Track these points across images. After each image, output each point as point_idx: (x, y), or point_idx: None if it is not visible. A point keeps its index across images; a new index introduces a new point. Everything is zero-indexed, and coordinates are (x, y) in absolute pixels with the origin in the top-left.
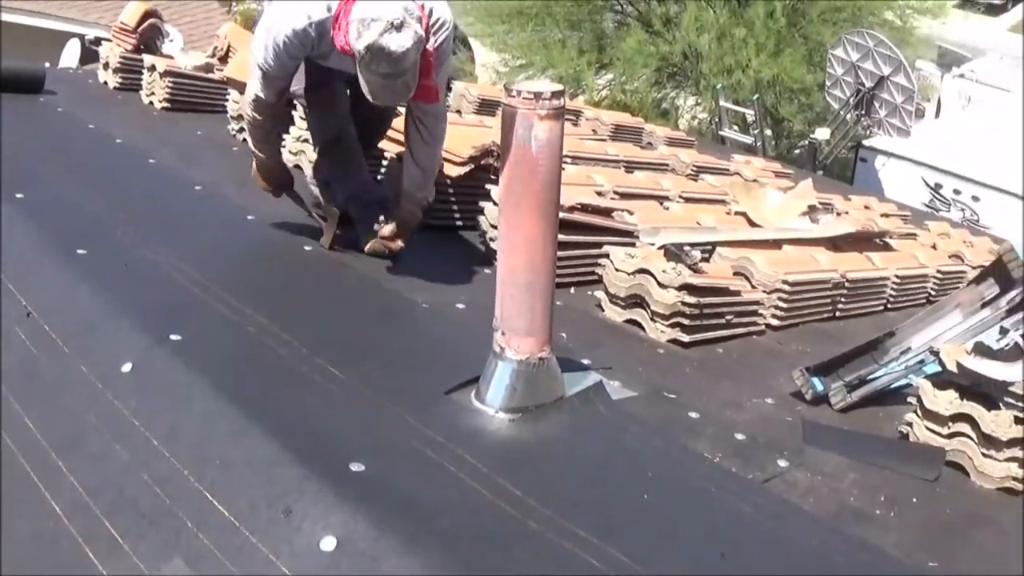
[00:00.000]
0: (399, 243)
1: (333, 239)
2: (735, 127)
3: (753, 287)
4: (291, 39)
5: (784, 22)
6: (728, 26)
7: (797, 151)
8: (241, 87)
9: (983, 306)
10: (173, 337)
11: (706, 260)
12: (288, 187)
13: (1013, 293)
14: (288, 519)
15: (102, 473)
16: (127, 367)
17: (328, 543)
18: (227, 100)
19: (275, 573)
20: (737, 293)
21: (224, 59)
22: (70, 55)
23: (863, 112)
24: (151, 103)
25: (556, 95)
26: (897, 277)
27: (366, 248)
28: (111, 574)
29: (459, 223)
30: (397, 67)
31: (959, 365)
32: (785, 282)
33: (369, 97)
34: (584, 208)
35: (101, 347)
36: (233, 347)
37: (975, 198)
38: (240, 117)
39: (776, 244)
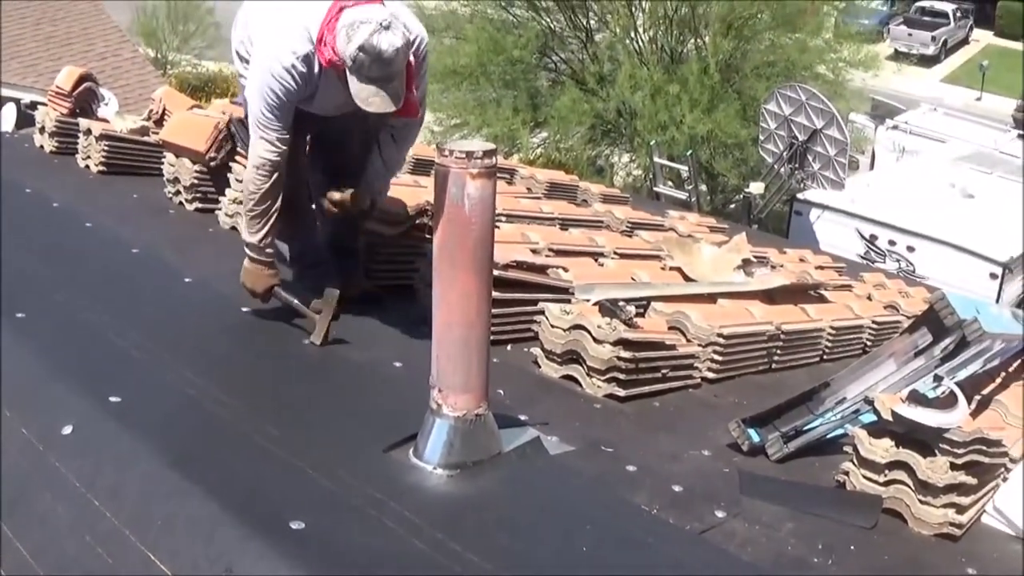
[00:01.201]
0: (334, 209)
1: (328, 332)
2: (670, 183)
3: (688, 341)
4: (283, 79)
5: (718, 78)
6: (662, 83)
7: (732, 206)
8: (176, 149)
9: (917, 355)
10: (113, 399)
11: (641, 315)
12: (277, 286)
13: (946, 341)
14: None
15: (45, 534)
16: (68, 429)
17: None
18: (163, 163)
19: None
20: (672, 347)
21: (159, 122)
22: (6, 119)
23: (797, 165)
24: (87, 166)
25: (488, 154)
26: (832, 328)
27: (314, 339)
28: None
29: (395, 282)
30: (389, 69)
31: (894, 413)
32: (720, 335)
33: (363, 107)
34: (519, 265)
35: (42, 409)
36: (172, 408)
37: (910, 248)
38: (177, 180)
39: (711, 298)
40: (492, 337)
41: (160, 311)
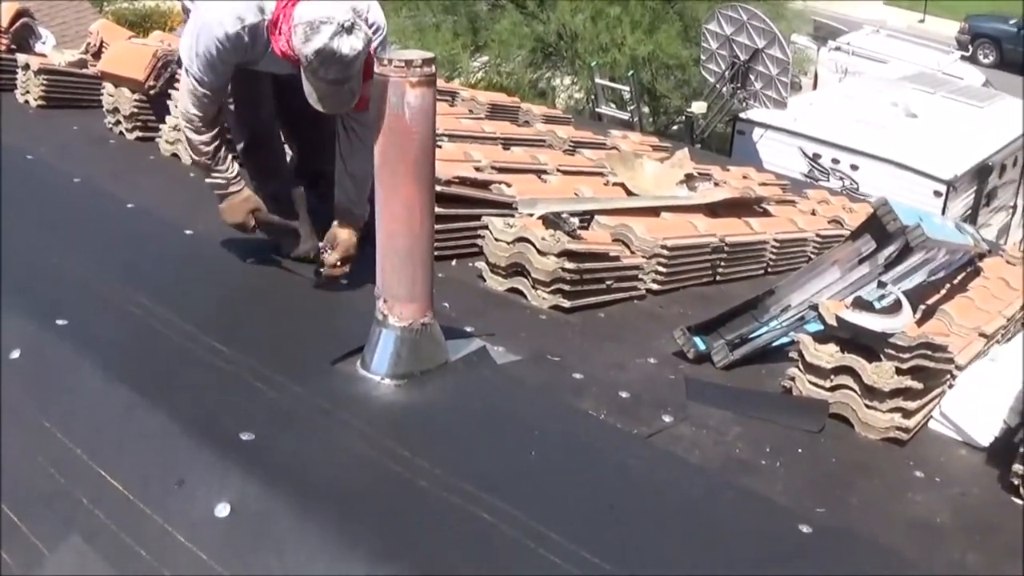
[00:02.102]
0: (344, 269)
1: (313, 235)
2: (612, 105)
3: (632, 253)
4: (223, 44)
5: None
6: (602, 5)
7: (675, 127)
8: (115, 79)
9: (860, 262)
10: (59, 322)
11: (585, 228)
12: (260, 207)
13: (890, 248)
14: (181, 490)
15: None
16: (15, 354)
17: (222, 510)
18: (102, 94)
19: (171, 543)
20: (617, 259)
21: (97, 55)
22: None
23: (739, 85)
24: (26, 101)
25: (427, 62)
26: (776, 241)
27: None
28: (8, 556)
29: None
30: (346, 72)
31: (838, 319)
32: (664, 247)
33: (316, 106)
34: (462, 181)
35: None
36: (119, 329)
37: (854, 167)
38: (116, 110)
39: (655, 212)
40: (436, 253)
41: (103, 237)
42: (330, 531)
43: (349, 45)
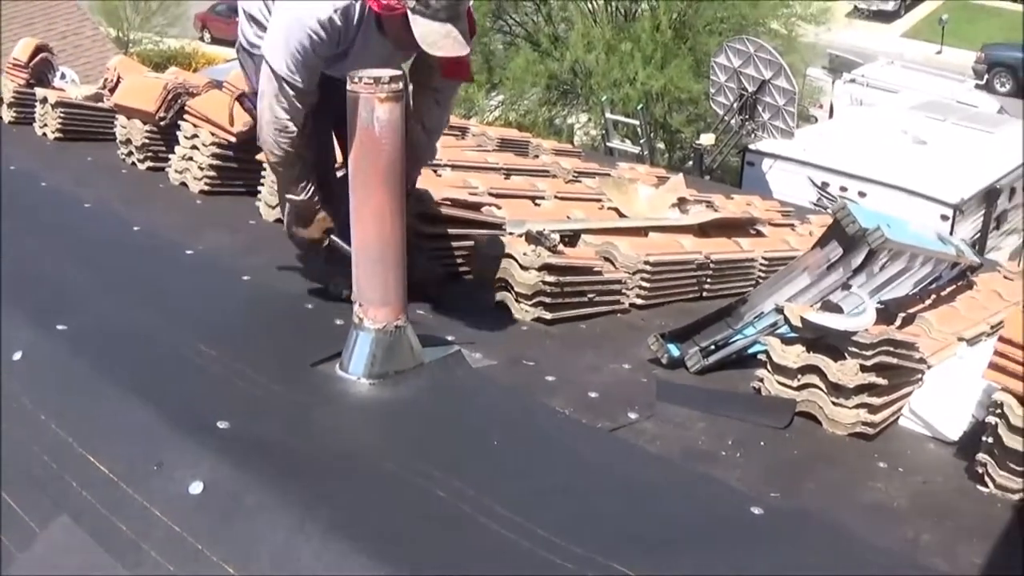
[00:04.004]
0: None
1: None
2: (627, 140)
3: (616, 269)
4: (317, 33)
5: (670, 34)
6: (615, 41)
7: (691, 162)
8: (128, 112)
9: (830, 268)
10: (60, 327)
11: (569, 244)
12: (332, 230)
13: (856, 253)
14: (160, 471)
15: None
16: (18, 355)
17: (196, 487)
18: (115, 127)
19: (149, 518)
20: (599, 273)
21: (114, 89)
22: None
23: (747, 116)
24: (44, 134)
25: (395, 79)
26: (764, 258)
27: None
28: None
29: None
30: (458, 6)
31: (803, 320)
32: (647, 263)
33: (428, 50)
34: (453, 203)
35: None
36: (115, 334)
37: (862, 194)
38: (129, 141)
39: (643, 232)
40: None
41: (106, 254)
42: (292, 503)
43: None
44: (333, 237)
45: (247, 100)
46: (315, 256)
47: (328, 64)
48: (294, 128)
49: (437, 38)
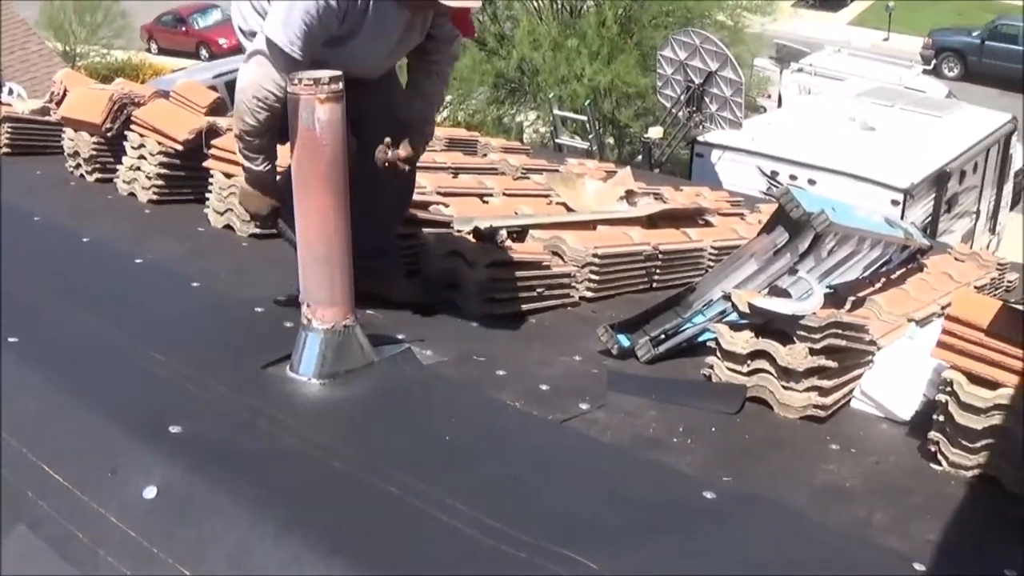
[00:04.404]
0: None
1: None
2: (576, 136)
3: (565, 262)
4: (328, 1)
5: (616, 29)
6: (561, 38)
7: (639, 157)
8: (75, 124)
9: (776, 253)
10: (11, 339)
11: (517, 239)
12: (279, 211)
13: (802, 237)
14: (114, 477)
15: None
16: None
17: (150, 492)
18: (63, 140)
19: (104, 524)
20: (548, 267)
21: (60, 102)
22: None
23: (694, 108)
24: None
25: (334, 80)
26: (714, 248)
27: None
28: None
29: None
30: None
31: (750, 305)
32: (596, 255)
33: (446, 2)
34: None
35: None
36: (66, 343)
37: (811, 181)
38: (76, 153)
39: (591, 226)
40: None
41: (58, 265)
42: (245, 504)
43: None
44: (280, 222)
45: None
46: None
47: (336, 43)
48: (276, 102)
49: None
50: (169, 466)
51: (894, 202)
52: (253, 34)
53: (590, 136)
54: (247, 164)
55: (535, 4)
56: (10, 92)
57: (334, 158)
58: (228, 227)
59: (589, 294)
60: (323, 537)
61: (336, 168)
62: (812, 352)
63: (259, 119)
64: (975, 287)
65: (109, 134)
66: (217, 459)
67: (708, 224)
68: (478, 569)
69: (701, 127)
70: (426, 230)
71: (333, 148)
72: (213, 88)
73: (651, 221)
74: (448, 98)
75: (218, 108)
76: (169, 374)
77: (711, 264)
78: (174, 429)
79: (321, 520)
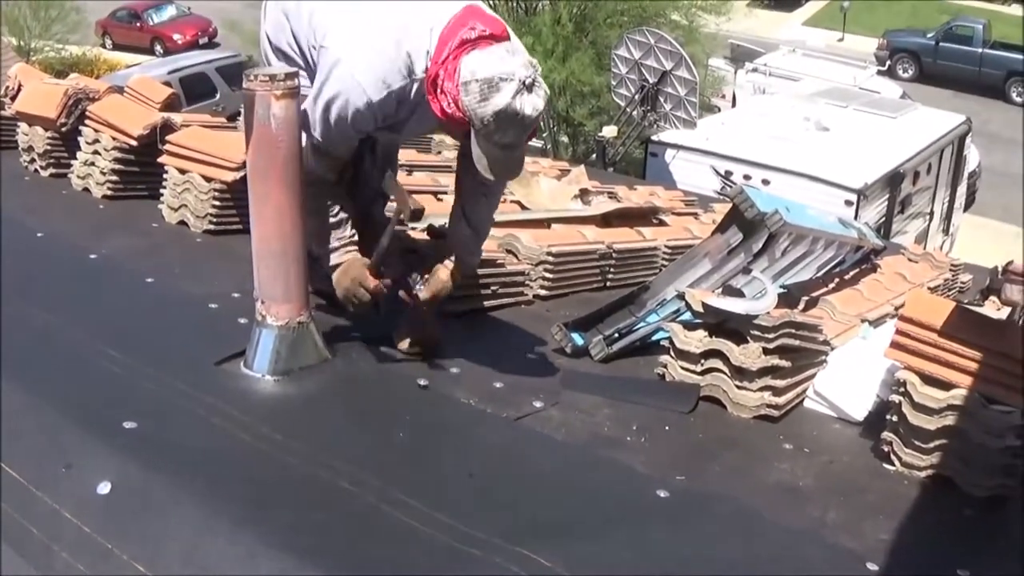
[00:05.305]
0: (430, 306)
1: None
2: None
3: (519, 260)
4: (363, 112)
5: (571, 28)
6: (516, 35)
7: (594, 154)
8: (30, 119)
9: (730, 253)
10: None
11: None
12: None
13: (756, 237)
14: (69, 473)
15: None
16: None
17: (104, 488)
18: (17, 134)
19: (58, 520)
20: (502, 265)
21: (15, 98)
22: None
23: (649, 107)
24: None
25: (290, 76)
26: (667, 247)
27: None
28: None
29: (239, 227)
30: (522, 135)
31: (705, 305)
32: (550, 254)
33: (484, 174)
34: None
35: None
36: (22, 340)
37: (765, 182)
38: (31, 148)
39: (546, 224)
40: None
41: (11, 261)
42: (199, 500)
43: (532, 105)
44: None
45: None
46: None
47: (382, 129)
48: (323, 184)
49: (493, 162)
50: (123, 462)
51: (848, 202)
52: (284, 54)
53: (544, 134)
54: (320, 251)
55: (490, 2)
56: None
57: (289, 154)
58: (182, 223)
59: (543, 292)
60: (277, 533)
61: (291, 164)
62: (766, 352)
63: (311, 202)
64: (929, 288)
65: (64, 129)
66: (171, 455)
67: (662, 223)
68: (432, 566)
69: (655, 126)
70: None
71: (289, 144)
72: (168, 84)
73: (605, 220)
74: None
75: (172, 103)
76: (123, 370)
77: (665, 263)
78: (128, 425)
79: (275, 516)
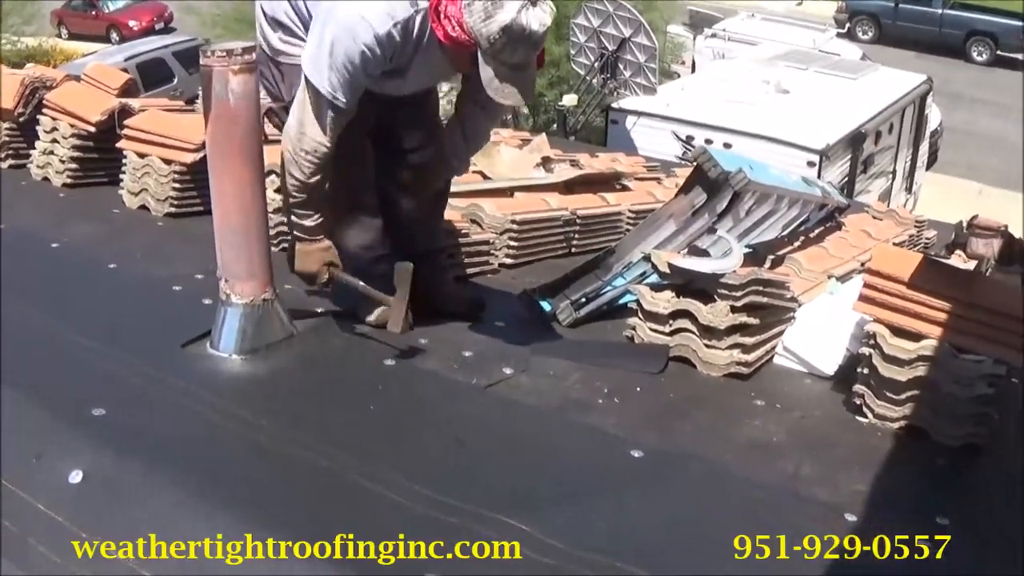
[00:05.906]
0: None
1: (407, 316)
2: None
3: (483, 230)
4: (371, 49)
5: None
6: None
7: (555, 125)
8: None
9: (695, 214)
10: None
11: None
12: (334, 264)
13: (720, 197)
14: (39, 463)
15: None
16: None
17: (75, 476)
18: None
19: (31, 511)
20: (466, 235)
21: None
22: None
23: (609, 75)
24: None
25: (247, 51)
26: (631, 212)
27: (370, 319)
28: None
29: (200, 208)
30: (532, 53)
31: (670, 265)
32: (514, 222)
33: (493, 96)
34: None
35: None
36: None
37: (727, 145)
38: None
39: (509, 193)
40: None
41: None
42: (172, 484)
43: (538, 20)
44: (335, 271)
45: (275, 115)
46: (318, 288)
47: (378, 82)
48: (325, 150)
49: (503, 85)
50: (94, 449)
51: (810, 163)
52: (281, 24)
53: None
54: (297, 220)
55: None
56: None
57: (250, 128)
58: (143, 207)
59: (509, 261)
60: (254, 515)
61: (251, 139)
62: (733, 310)
63: (306, 173)
64: (894, 243)
65: (21, 119)
66: (142, 440)
67: (625, 188)
68: (410, 536)
69: (615, 94)
70: None
71: (248, 119)
72: (124, 71)
73: (568, 187)
74: None
75: (130, 89)
76: (89, 357)
77: (629, 227)
78: (97, 412)
79: (251, 498)
